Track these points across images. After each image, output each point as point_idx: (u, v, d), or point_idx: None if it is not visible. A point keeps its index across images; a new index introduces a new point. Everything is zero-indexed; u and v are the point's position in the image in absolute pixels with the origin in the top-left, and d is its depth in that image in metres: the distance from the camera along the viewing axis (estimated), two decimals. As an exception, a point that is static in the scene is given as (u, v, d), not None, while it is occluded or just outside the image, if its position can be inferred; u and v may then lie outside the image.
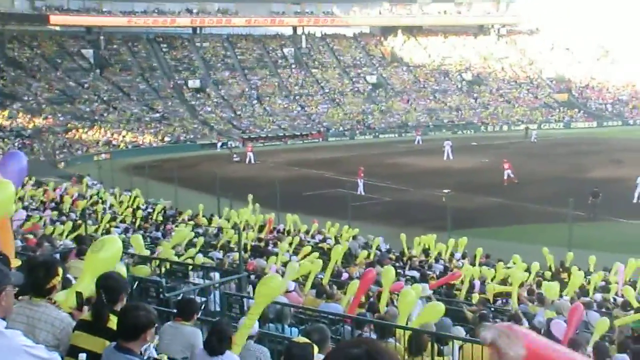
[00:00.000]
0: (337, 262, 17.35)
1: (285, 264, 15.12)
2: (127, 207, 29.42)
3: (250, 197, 30.44)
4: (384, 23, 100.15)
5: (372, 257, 21.04)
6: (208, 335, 6.67)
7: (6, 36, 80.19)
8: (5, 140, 58.98)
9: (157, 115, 75.42)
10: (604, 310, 15.03)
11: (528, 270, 19.54)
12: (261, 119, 78.87)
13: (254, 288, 12.15)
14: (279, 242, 21.69)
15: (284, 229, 26.92)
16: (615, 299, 17.47)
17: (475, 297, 16.18)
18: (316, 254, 19.03)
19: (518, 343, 2.05)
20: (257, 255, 18.43)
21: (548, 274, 20.90)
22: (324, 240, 24.64)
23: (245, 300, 10.84)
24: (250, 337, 7.49)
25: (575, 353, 2.25)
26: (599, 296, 17.49)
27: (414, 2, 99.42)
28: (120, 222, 24.07)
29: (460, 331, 10.22)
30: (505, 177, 40.32)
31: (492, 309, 15.02)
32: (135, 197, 31.81)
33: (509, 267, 20.48)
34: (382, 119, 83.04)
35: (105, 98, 76.02)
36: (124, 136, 67.65)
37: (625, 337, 12.39)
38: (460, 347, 8.99)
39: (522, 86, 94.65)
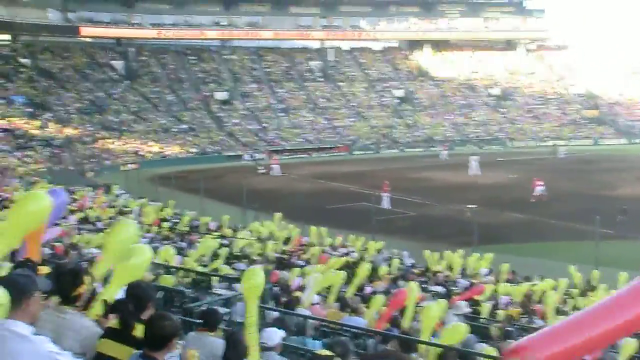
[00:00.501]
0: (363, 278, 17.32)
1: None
2: (157, 218, 29.59)
3: (278, 215, 30.37)
4: (412, 37, 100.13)
5: (387, 271, 20.90)
6: (225, 348, 6.69)
7: (39, 47, 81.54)
8: (36, 148, 59.79)
9: (184, 126, 76.00)
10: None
11: (555, 287, 19.37)
12: (287, 132, 79.16)
13: (276, 301, 12.21)
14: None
15: (308, 242, 26.90)
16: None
17: (501, 314, 16.06)
18: (339, 264, 19.05)
19: None
20: (281, 268, 18.44)
21: (576, 292, 20.68)
22: (347, 253, 24.60)
23: (266, 312, 10.85)
24: (272, 349, 7.50)
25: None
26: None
27: (441, 16, 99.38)
28: (147, 232, 24.20)
29: (484, 347, 10.14)
30: (537, 194, 39.92)
31: (517, 326, 14.90)
32: (163, 208, 32.02)
33: (534, 284, 20.31)
34: (407, 133, 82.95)
35: (133, 109, 76.82)
36: (151, 147, 68.21)
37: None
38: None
39: (550, 102, 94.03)
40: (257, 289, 7.65)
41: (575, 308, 17.54)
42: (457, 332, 9.09)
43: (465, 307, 12.89)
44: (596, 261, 24.11)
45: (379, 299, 12.25)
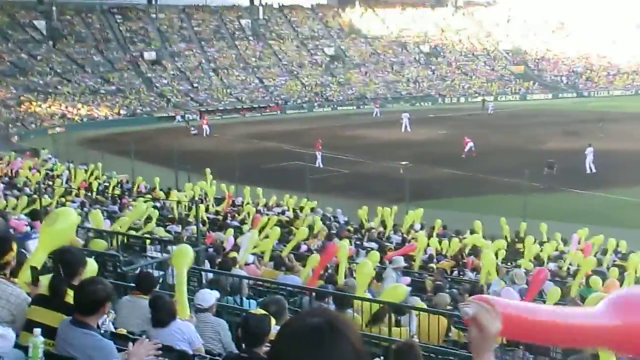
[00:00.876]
0: (298, 241, 17.43)
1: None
2: (84, 181, 29.00)
3: (207, 170, 30.19)
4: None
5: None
6: (152, 311, 6.65)
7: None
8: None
9: (113, 87, 74.30)
10: (557, 279, 15.34)
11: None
12: (218, 92, 78.26)
13: (211, 262, 12.18)
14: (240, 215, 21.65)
15: (242, 202, 26.84)
16: (569, 269, 17.86)
17: (433, 267, 16.41)
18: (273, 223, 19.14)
19: (496, 318, 2.09)
20: (215, 229, 18.38)
21: (504, 244, 21.21)
22: (282, 212, 24.66)
23: (202, 273, 10.83)
24: (207, 310, 7.50)
25: (542, 306, 2.34)
26: (552, 265, 17.85)
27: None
28: (76, 196, 23.75)
29: (417, 301, 10.34)
30: (466, 150, 40.60)
31: (449, 279, 15.24)
32: (92, 171, 31.39)
33: (465, 238, 20.76)
34: (340, 91, 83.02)
35: (59, 70, 74.58)
36: (78, 109, 66.54)
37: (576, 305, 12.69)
38: (417, 317, 9.11)
39: (479, 58, 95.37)
40: (187, 265, 7.78)
41: (504, 260, 18.01)
42: (397, 293, 9.22)
43: (402, 262, 13.12)
44: (524, 214, 24.75)
45: (315, 257, 12.36)
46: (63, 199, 21.45)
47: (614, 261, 18.86)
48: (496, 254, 17.75)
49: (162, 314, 6.42)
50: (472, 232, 21.74)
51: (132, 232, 14.81)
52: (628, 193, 29.23)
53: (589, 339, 2.30)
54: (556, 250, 20.72)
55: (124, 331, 6.27)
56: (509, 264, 17.71)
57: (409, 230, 23.04)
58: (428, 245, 19.44)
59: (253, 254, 13.93)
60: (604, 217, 25.02)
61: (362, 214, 24.47)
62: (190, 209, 21.91)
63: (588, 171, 34.72)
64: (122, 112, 68.97)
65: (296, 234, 16.23)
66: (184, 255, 7.83)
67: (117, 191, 27.05)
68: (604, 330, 2.20)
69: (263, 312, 5.70)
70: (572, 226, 22.80)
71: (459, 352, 7.84)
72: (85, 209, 19.30)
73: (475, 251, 18.65)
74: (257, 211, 23.00)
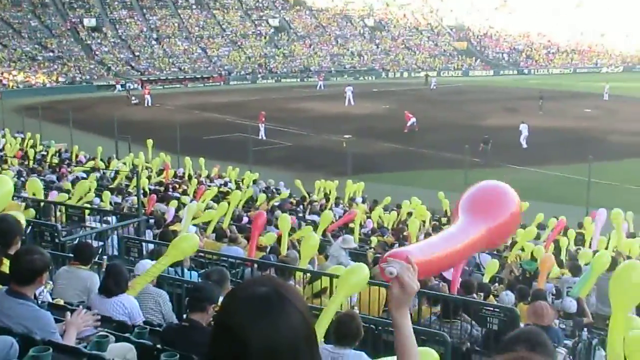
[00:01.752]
0: (239, 207, 17.39)
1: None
2: (20, 149, 28.31)
3: (149, 142, 29.77)
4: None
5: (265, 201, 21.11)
6: (104, 277, 6.58)
7: None
8: None
9: (51, 54, 72.34)
10: (495, 252, 15.66)
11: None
12: (160, 61, 76.99)
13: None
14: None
15: (184, 173, 26.60)
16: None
17: (374, 240, 16.57)
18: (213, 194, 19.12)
19: (415, 273, 2.24)
20: (157, 200, 18.17)
21: (444, 219, 21.54)
22: (225, 184, 24.53)
23: (143, 244, 10.73)
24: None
25: (432, 239, 2.77)
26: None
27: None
28: (11, 164, 23.17)
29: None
30: (408, 125, 40.91)
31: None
32: (29, 139, 30.66)
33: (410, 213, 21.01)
34: (284, 63, 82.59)
35: (-7, 35, 72.24)
36: (15, 76, 64.70)
37: (514, 277, 13.01)
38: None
39: (422, 33, 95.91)
40: (185, 252, 7.72)
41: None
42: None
43: (352, 242, 13.16)
44: (464, 189, 25.06)
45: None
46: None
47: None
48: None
49: (114, 284, 6.34)
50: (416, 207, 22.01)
51: (70, 202, 14.53)
52: (565, 170, 29.92)
53: (473, 251, 2.95)
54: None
55: (61, 302, 6.18)
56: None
57: (350, 203, 23.20)
58: (368, 217, 19.66)
59: (195, 225, 13.84)
60: (542, 192, 25.56)
61: (299, 184, 24.55)
62: (130, 179, 21.60)
63: (525, 146, 35.38)
64: (60, 79, 67.32)
65: (231, 199, 16.09)
66: (187, 244, 7.64)
67: (56, 160, 26.48)
68: (479, 241, 2.83)
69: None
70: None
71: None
72: (22, 178, 18.86)
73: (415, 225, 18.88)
74: (199, 182, 22.85)
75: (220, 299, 5.52)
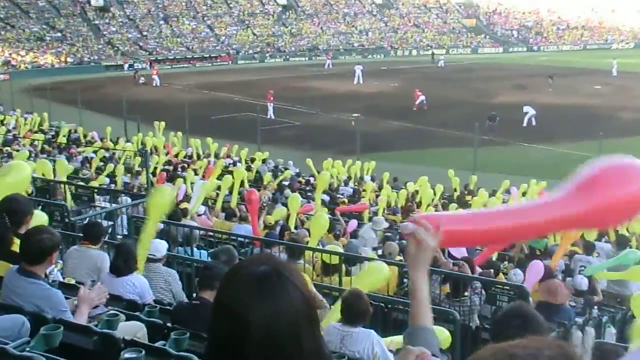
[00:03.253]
0: (244, 185, 17.37)
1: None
2: (30, 130, 28.40)
3: (161, 124, 29.67)
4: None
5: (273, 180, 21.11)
6: (114, 257, 6.60)
7: None
8: None
9: (59, 35, 72.25)
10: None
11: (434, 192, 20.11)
12: (168, 41, 76.82)
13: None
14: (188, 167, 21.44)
15: (192, 152, 26.62)
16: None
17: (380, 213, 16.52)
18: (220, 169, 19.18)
19: (434, 234, 2.24)
20: (166, 179, 18.19)
21: (454, 195, 21.52)
22: (234, 164, 24.53)
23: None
24: (158, 260, 7.46)
25: (485, 210, 2.59)
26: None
27: None
28: (22, 144, 23.25)
29: (366, 252, 10.44)
30: (417, 103, 40.77)
31: (399, 230, 15.41)
32: (39, 120, 30.76)
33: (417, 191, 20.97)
34: (292, 42, 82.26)
35: (1, 15, 72.10)
36: (23, 56, 64.71)
37: (524, 255, 12.98)
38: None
39: (431, 11, 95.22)
40: (163, 208, 7.60)
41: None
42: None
43: (384, 223, 13.14)
44: (474, 166, 25.04)
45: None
46: (8, 148, 20.98)
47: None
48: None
49: (123, 264, 6.37)
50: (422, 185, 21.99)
51: (81, 183, 14.58)
52: (575, 147, 29.76)
53: (556, 227, 2.49)
54: (503, 202, 21.11)
55: (72, 281, 6.20)
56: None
57: (359, 182, 23.18)
58: (377, 196, 19.64)
59: (204, 204, 13.87)
60: (551, 170, 25.45)
61: (310, 163, 24.51)
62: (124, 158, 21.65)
63: (533, 123, 35.13)
64: (68, 60, 67.31)
65: (235, 177, 16.04)
66: (160, 198, 7.60)
67: (64, 140, 26.54)
68: (573, 217, 2.38)
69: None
70: (520, 179, 23.19)
71: (404, 300, 7.95)
72: (31, 159, 18.91)
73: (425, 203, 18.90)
74: (208, 162, 22.87)
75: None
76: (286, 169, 24.92)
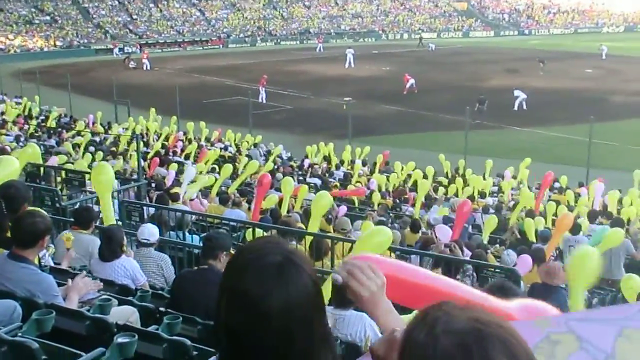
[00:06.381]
0: (248, 175, 17.38)
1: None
2: (19, 114, 28.23)
3: (152, 110, 29.51)
4: None
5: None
6: (100, 242, 6.60)
7: None
8: None
9: (48, 18, 71.67)
10: (491, 212, 15.66)
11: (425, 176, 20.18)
12: (158, 24, 76.32)
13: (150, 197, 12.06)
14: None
15: (185, 136, 26.54)
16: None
17: (376, 203, 16.55)
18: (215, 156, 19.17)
19: (371, 276, 1.95)
20: (159, 164, 18.14)
21: (444, 180, 21.56)
22: (225, 148, 24.49)
23: (144, 208, 10.73)
24: (150, 245, 7.45)
25: (430, 273, 2.32)
26: (490, 200, 18.22)
27: None
28: (10, 130, 23.12)
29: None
30: (407, 87, 40.75)
31: (391, 214, 15.45)
32: (28, 104, 30.55)
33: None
34: (283, 26, 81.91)
35: (-12, -2, 71.52)
36: (11, 40, 64.24)
37: (516, 238, 13.04)
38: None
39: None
40: (109, 185, 7.77)
41: (445, 194, 18.34)
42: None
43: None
44: (465, 150, 25.08)
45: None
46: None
47: (549, 196, 19.35)
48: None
49: (107, 250, 6.37)
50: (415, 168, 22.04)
51: (71, 167, 14.50)
52: (566, 130, 29.83)
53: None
54: (494, 185, 21.21)
55: (63, 266, 6.19)
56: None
57: (351, 166, 23.19)
58: (369, 180, 19.68)
59: (200, 191, 13.86)
60: (543, 153, 25.55)
61: (310, 150, 24.46)
62: (130, 143, 21.54)
63: (524, 107, 35.15)
64: (58, 43, 66.82)
65: (247, 168, 16.17)
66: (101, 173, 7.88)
67: (54, 125, 26.40)
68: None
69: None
70: (511, 162, 23.27)
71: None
72: (21, 143, 18.82)
73: (417, 187, 18.92)
74: (199, 146, 22.81)
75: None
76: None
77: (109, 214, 7.96)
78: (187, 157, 20.74)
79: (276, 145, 25.98)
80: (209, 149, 21.77)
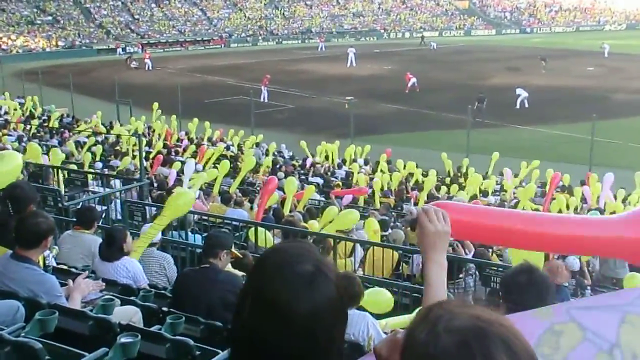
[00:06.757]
0: (246, 172, 17.40)
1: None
2: (21, 114, 28.28)
3: (155, 105, 29.55)
4: None
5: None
6: (102, 243, 6.60)
7: None
8: None
9: (50, 18, 71.73)
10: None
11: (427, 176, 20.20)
12: (160, 24, 76.36)
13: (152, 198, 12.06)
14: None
15: (187, 136, 26.56)
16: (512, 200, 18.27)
17: (377, 202, 16.55)
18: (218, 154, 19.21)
19: (440, 220, 2.16)
20: (162, 164, 18.15)
21: (447, 179, 21.54)
22: (227, 148, 24.49)
23: (147, 208, 10.73)
24: (153, 245, 7.45)
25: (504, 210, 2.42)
26: (493, 199, 18.21)
27: None
28: (13, 129, 23.15)
29: (362, 235, 10.46)
30: (409, 86, 40.73)
31: (393, 212, 15.44)
32: (30, 104, 30.61)
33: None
34: (285, 25, 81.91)
35: (-10, -1, 71.62)
36: (14, 40, 64.29)
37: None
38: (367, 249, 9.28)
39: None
40: (180, 212, 7.69)
41: (447, 194, 18.33)
42: (348, 219, 9.30)
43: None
44: (468, 149, 25.05)
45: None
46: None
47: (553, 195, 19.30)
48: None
49: (107, 250, 6.37)
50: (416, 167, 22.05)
51: (74, 167, 14.53)
52: (569, 129, 29.80)
53: (602, 250, 2.36)
54: (497, 184, 21.20)
55: (65, 266, 6.20)
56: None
57: (352, 166, 23.17)
58: (371, 179, 19.65)
59: (200, 189, 13.86)
60: (545, 152, 25.49)
61: (304, 146, 24.46)
62: (134, 143, 21.57)
63: (526, 105, 35.10)
64: (60, 43, 66.88)
65: (243, 166, 16.17)
66: (181, 201, 7.70)
67: (56, 125, 26.43)
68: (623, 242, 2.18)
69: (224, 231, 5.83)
70: (513, 161, 23.22)
71: (400, 283, 7.99)
72: (23, 143, 18.85)
73: (419, 186, 18.94)
74: (198, 145, 22.84)
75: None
76: (279, 152, 24.87)
77: (145, 241, 7.46)
78: (190, 157, 20.74)
79: (278, 144, 25.99)
80: (210, 148, 21.77)
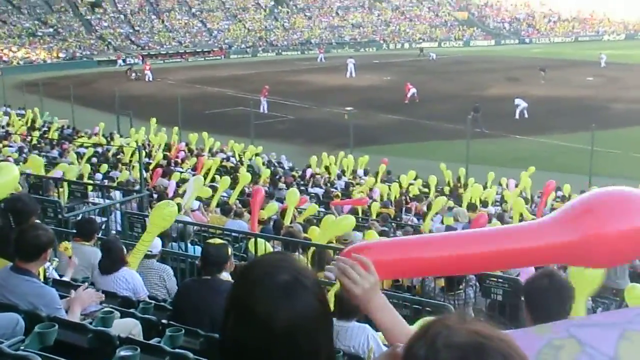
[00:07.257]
0: (242, 186, 17.40)
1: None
2: (22, 125, 28.33)
3: (153, 120, 29.54)
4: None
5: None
6: (101, 254, 6.60)
7: None
8: None
9: (51, 30, 71.94)
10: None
11: (427, 186, 20.22)
12: (160, 35, 76.56)
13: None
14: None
15: (187, 147, 26.55)
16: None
17: (375, 213, 16.52)
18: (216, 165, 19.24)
19: (363, 275, 2.02)
20: (161, 175, 18.14)
21: (447, 189, 21.55)
22: (227, 159, 24.49)
23: (147, 219, 10.71)
24: (153, 256, 7.44)
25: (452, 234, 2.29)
26: (493, 209, 18.18)
27: None
28: (14, 140, 23.17)
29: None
30: (409, 96, 40.78)
31: (393, 223, 15.42)
32: (31, 116, 30.68)
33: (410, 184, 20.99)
34: (284, 36, 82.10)
35: (-8, 11, 71.85)
36: (15, 52, 64.45)
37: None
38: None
39: (423, 4, 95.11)
40: (164, 224, 7.63)
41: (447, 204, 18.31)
42: (342, 225, 9.23)
43: (467, 214, 13.11)
44: (467, 159, 25.07)
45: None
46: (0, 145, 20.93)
47: (552, 205, 19.30)
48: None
49: (113, 261, 6.36)
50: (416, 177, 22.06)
51: (74, 178, 14.52)
52: (568, 139, 29.82)
53: (536, 259, 2.18)
54: (498, 194, 21.17)
55: (67, 276, 6.19)
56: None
57: (353, 176, 23.18)
58: (371, 189, 19.67)
59: (198, 199, 13.85)
60: (545, 162, 25.49)
61: (313, 162, 24.37)
62: (133, 154, 21.58)
63: (525, 116, 35.10)
64: (60, 55, 67.06)
65: (240, 180, 16.21)
66: (165, 214, 7.64)
67: (56, 136, 26.47)
68: (556, 248, 2.01)
69: (221, 241, 5.79)
70: (514, 171, 23.21)
71: (400, 295, 7.97)
72: (24, 155, 18.87)
73: (418, 197, 18.94)
74: (197, 156, 22.84)
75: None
76: (279, 162, 24.87)
77: (137, 256, 7.49)
78: (191, 169, 20.75)
79: (278, 155, 26.01)
80: (209, 159, 21.77)
